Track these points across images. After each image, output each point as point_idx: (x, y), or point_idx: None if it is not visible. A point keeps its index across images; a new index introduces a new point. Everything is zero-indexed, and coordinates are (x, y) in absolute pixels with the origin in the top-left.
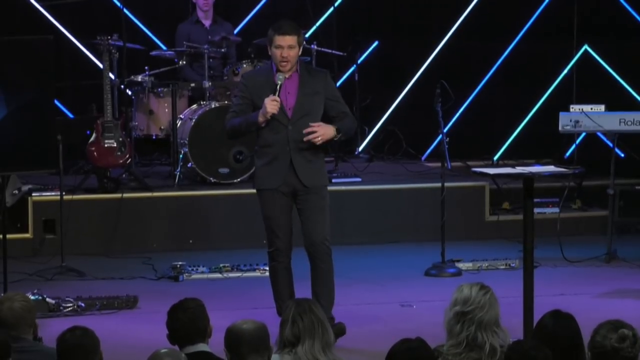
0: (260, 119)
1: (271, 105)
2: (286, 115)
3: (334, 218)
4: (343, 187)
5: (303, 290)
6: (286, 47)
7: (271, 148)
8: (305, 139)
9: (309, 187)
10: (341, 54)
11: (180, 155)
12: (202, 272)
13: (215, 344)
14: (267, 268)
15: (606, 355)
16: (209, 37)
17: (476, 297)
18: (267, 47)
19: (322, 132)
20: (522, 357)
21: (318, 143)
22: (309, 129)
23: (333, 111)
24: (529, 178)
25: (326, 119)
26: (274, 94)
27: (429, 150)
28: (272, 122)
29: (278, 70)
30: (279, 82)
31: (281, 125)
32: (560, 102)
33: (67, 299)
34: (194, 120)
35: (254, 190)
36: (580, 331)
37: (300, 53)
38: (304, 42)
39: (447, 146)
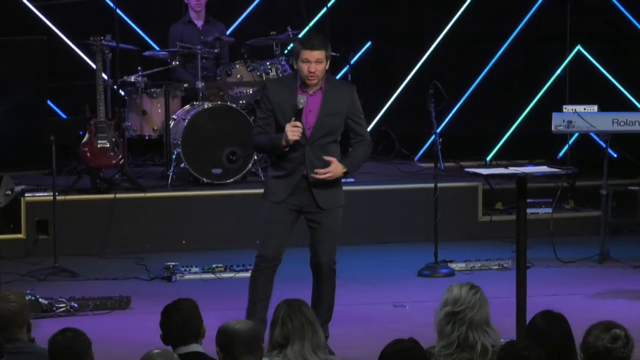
0: (283, 143)
1: (292, 132)
2: (305, 134)
3: None
4: None
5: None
6: (314, 61)
7: (286, 163)
8: (313, 175)
9: (325, 208)
10: (334, 54)
11: (173, 156)
12: (195, 273)
13: (209, 344)
14: None
15: (598, 356)
16: (202, 37)
17: (466, 297)
18: (294, 61)
19: (332, 175)
20: (515, 357)
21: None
22: (321, 171)
23: (351, 132)
24: (521, 178)
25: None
26: (296, 118)
27: (422, 151)
28: None
29: (303, 84)
30: (300, 107)
31: (299, 144)
32: (553, 102)
33: (60, 299)
34: (187, 120)
35: (247, 191)
36: (572, 331)
37: (327, 67)
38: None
39: (440, 147)
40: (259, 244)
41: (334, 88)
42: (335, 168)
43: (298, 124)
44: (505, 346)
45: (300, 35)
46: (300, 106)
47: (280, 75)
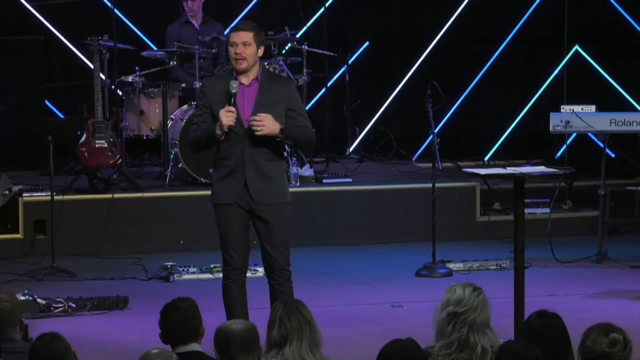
0: (218, 132)
1: (226, 117)
2: (242, 126)
3: (325, 219)
4: (334, 188)
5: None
6: (240, 43)
7: (228, 161)
8: (247, 126)
9: (263, 205)
10: (332, 54)
11: (171, 156)
12: (193, 273)
13: (207, 345)
14: (257, 269)
15: None
16: (199, 37)
17: (469, 298)
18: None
19: (267, 123)
20: (513, 357)
21: (257, 134)
22: (254, 117)
23: (292, 124)
24: (519, 178)
25: None
26: (230, 104)
27: (419, 151)
28: (229, 133)
29: (237, 72)
30: (233, 91)
31: (237, 136)
32: (551, 102)
33: (57, 299)
34: (184, 120)
35: None
36: (568, 331)
37: (260, 54)
38: (295, 43)
39: (437, 147)
40: (222, 256)
41: (270, 80)
42: (271, 121)
43: (232, 108)
44: (503, 346)
45: (298, 36)
46: (234, 90)
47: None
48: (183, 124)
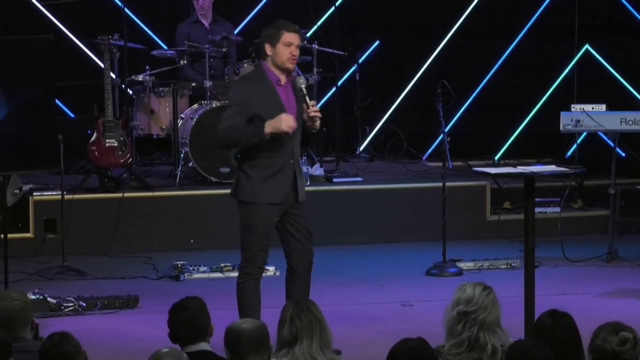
0: (270, 130)
1: (292, 121)
2: None
3: (335, 218)
4: (344, 187)
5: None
6: (295, 45)
7: (274, 160)
8: (313, 114)
9: (301, 202)
10: (342, 53)
11: (181, 155)
12: (203, 272)
13: (217, 343)
14: (267, 268)
15: (607, 359)
16: (209, 36)
17: (479, 297)
18: (266, 46)
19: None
20: (524, 356)
21: (316, 125)
22: (316, 109)
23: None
24: (530, 177)
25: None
26: (305, 102)
27: (430, 150)
28: (277, 133)
29: (279, 71)
30: (304, 88)
31: (287, 136)
32: (562, 101)
33: (68, 298)
34: (195, 119)
35: None
36: (578, 330)
37: None
38: (305, 42)
39: (448, 146)
40: (247, 249)
41: (291, 78)
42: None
43: (289, 116)
44: (513, 345)
45: (308, 35)
46: (302, 85)
47: None
48: (193, 123)
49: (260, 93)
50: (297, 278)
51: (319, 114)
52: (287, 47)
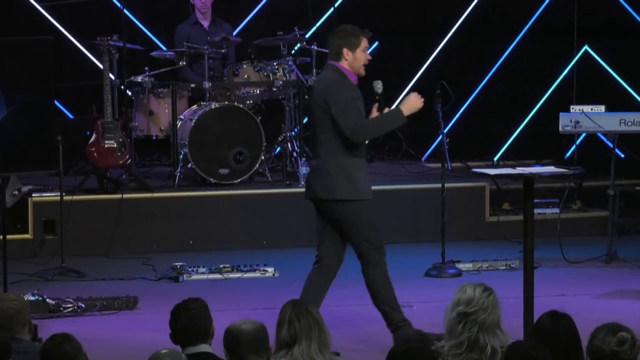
0: (408, 113)
1: (420, 99)
2: None
3: None
4: None
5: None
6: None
7: (362, 158)
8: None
9: None
10: None
11: (180, 156)
12: (202, 273)
13: (217, 344)
14: (266, 270)
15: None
16: (209, 37)
17: (480, 298)
18: (343, 51)
19: None
20: (522, 357)
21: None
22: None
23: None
24: (529, 178)
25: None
26: (379, 105)
27: (429, 151)
28: None
29: (356, 74)
30: (379, 91)
31: None
32: (561, 102)
33: (67, 299)
34: (194, 120)
35: (254, 191)
36: (578, 331)
37: None
38: (305, 43)
39: (447, 147)
40: (375, 242)
41: None
42: None
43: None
44: (511, 346)
45: (307, 36)
46: (379, 91)
47: (287, 74)
48: (193, 124)
49: (355, 91)
50: (329, 276)
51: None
52: (363, 52)
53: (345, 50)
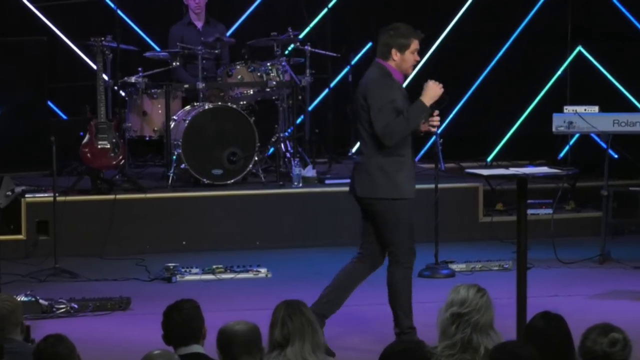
0: (430, 102)
1: (440, 85)
2: None
3: (328, 220)
4: (337, 189)
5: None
6: (417, 51)
7: (404, 157)
8: (435, 124)
9: None
10: (335, 55)
11: (174, 157)
12: (195, 274)
13: (210, 345)
14: (259, 270)
15: None
16: (202, 38)
17: (473, 299)
18: (392, 51)
19: None
20: (508, 356)
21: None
22: (438, 119)
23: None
24: (522, 179)
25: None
26: (437, 108)
27: (422, 152)
28: None
29: (402, 75)
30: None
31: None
32: (554, 103)
33: (60, 300)
34: (187, 121)
35: (248, 192)
36: (571, 332)
37: None
38: (298, 44)
39: (440, 147)
40: (405, 248)
41: None
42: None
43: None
44: (497, 346)
45: (301, 36)
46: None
47: (281, 75)
48: (186, 124)
49: (397, 90)
50: (367, 272)
51: (438, 124)
52: (412, 54)
53: (394, 51)
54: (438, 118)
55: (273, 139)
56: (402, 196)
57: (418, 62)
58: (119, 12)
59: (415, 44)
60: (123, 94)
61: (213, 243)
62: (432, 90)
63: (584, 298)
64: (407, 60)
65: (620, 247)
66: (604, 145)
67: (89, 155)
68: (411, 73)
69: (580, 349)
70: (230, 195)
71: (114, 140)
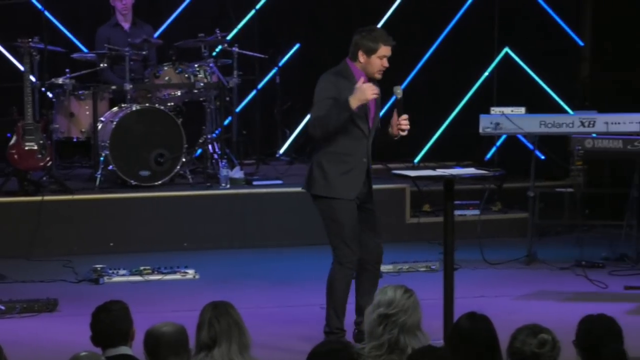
0: (356, 104)
1: (372, 89)
2: (368, 124)
3: (255, 221)
4: (264, 190)
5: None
6: (387, 57)
7: (349, 157)
8: (404, 129)
9: (370, 197)
10: (262, 56)
11: (101, 158)
12: (123, 275)
13: (137, 346)
14: (187, 271)
15: None
16: (129, 39)
17: (400, 300)
18: (359, 52)
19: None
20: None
21: (402, 134)
22: (405, 120)
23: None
24: (449, 180)
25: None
26: (398, 111)
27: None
28: (353, 129)
29: (370, 79)
30: (399, 97)
31: (362, 133)
32: (481, 104)
33: None
34: (115, 122)
35: (175, 193)
36: (497, 333)
37: None
38: (226, 45)
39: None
40: (339, 247)
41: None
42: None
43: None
44: (418, 350)
45: (228, 38)
46: (399, 96)
47: (208, 76)
48: (113, 126)
49: (348, 90)
50: (367, 271)
51: (407, 127)
52: (380, 59)
53: (360, 53)
54: (407, 122)
55: (200, 140)
56: (336, 196)
57: (385, 67)
58: (47, 13)
59: (383, 50)
60: (50, 95)
61: (141, 244)
62: (363, 93)
63: (511, 299)
64: (373, 64)
65: (547, 248)
66: (531, 147)
67: (16, 156)
68: (379, 78)
69: (509, 350)
70: (158, 197)
71: (41, 142)
